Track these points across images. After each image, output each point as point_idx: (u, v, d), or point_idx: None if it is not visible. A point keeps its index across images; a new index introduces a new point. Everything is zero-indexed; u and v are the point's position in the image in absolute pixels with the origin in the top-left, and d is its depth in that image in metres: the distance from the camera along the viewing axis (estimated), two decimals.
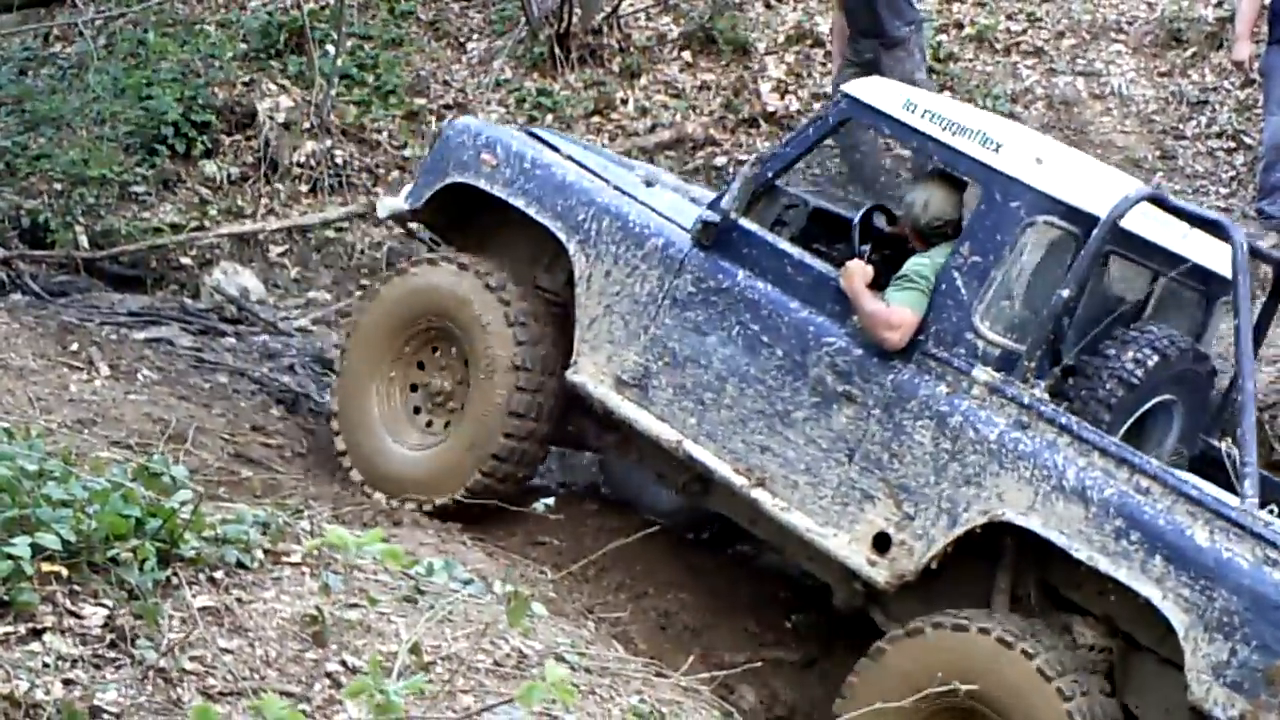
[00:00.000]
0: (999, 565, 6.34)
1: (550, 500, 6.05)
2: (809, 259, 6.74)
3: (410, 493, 7.31)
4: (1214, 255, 6.65)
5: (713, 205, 6.96)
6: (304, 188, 11.78)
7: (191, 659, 4.31)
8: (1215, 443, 6.69)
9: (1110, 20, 11.85)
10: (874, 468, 6.38)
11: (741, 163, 11.68)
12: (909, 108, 6.63)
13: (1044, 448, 6.08)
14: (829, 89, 12.40)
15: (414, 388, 7.59)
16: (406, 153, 11.78)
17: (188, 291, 10.95)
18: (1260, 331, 6.90)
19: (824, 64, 12.26)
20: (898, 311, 6.43)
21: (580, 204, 7.17)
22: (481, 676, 4.79)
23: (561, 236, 7.19)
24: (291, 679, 4.38)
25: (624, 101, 12.30)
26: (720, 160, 11.59)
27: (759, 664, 6.71)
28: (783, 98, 12.09)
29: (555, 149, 7.50)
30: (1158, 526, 5.84)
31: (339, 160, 11.87)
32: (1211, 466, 6.49)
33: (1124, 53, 11.67)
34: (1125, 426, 6.29)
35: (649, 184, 7.38)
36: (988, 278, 6.30)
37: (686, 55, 12.59)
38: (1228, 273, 6.51)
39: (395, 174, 11.91)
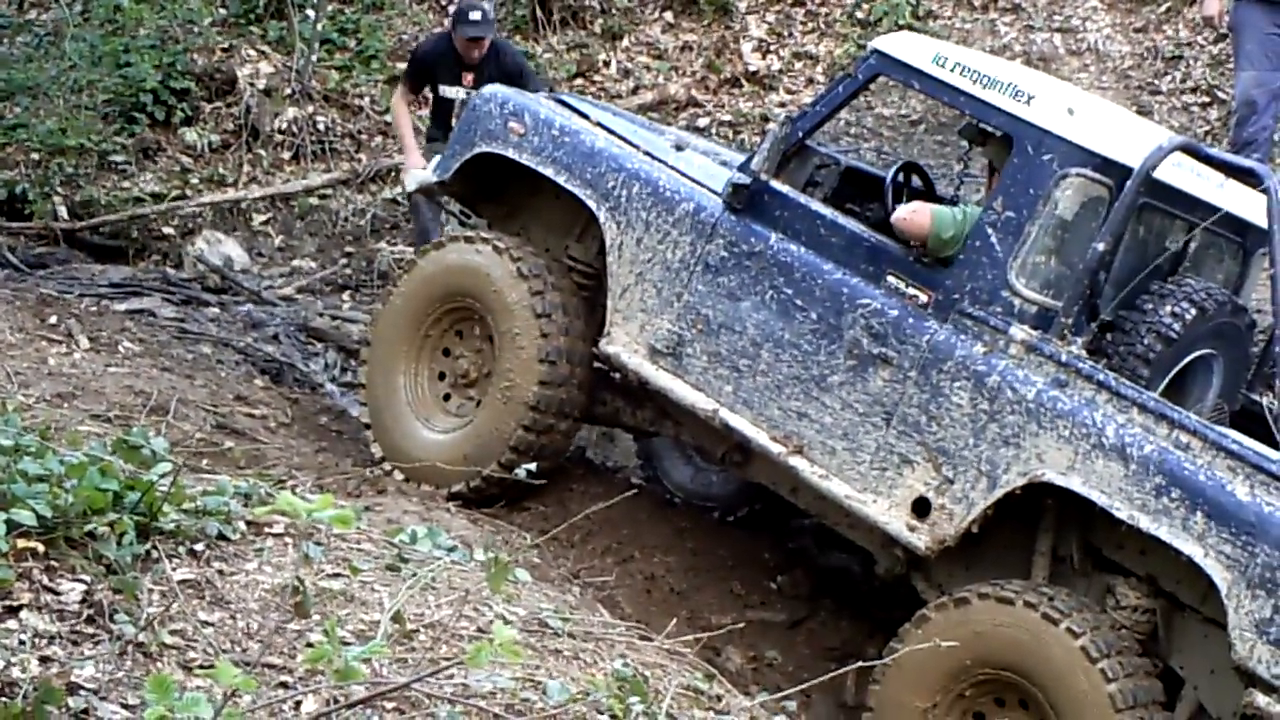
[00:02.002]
0: (1040, 527, 6.25)
1: (532, 466, 5.97)
2: (842, 219, 6.64)
3: (437, 473, 7.17)
4: (1250, 205, 6.56)
5: (743, 168, 6.84)
6: (286, 155, 11.74)
7: (171, 633, 4.25)
8: (1256, 397, 6.61)
9: None
10: (912, 431, 6.28)
11: (727, 124, 11.50)
12: (939, 61, 6.51)
13: (1082, 406, 5.98)
14: (811, 47, 12.17)
15: (441, 374, 7.49)
16: (388, 118, 11.60)
17: (170, 261, 10.89)
18: None
19: (804, 23, 12.11)
20: (926, 212, 6.40)
21: (610, 171, 7.06)
22: (464, 643, 4.72)
23: (591, 204, 7.09)
24: (274, 650, 4.32)
25: (606, 63, 12.23)
26: (703, 121, 11.45)
27: (743, 625, 6.68)
28: (764, 57, 12.01)
29: (584, 115, 7.40)
30: (1198, 482, 5.73)
31: (321, 126, 11.78)
32: (1253, 421, 6.36)
33: (1099, 9, 11.71)
34: (1165, 382, 6.21)
35: (679, 148, 7.26)
36: (1022, 233, 6.20)
37: (668, 16, 12.55)
38: (1263, 222, 6.40)
39: (378, 139, 11.71)
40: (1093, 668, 5.70)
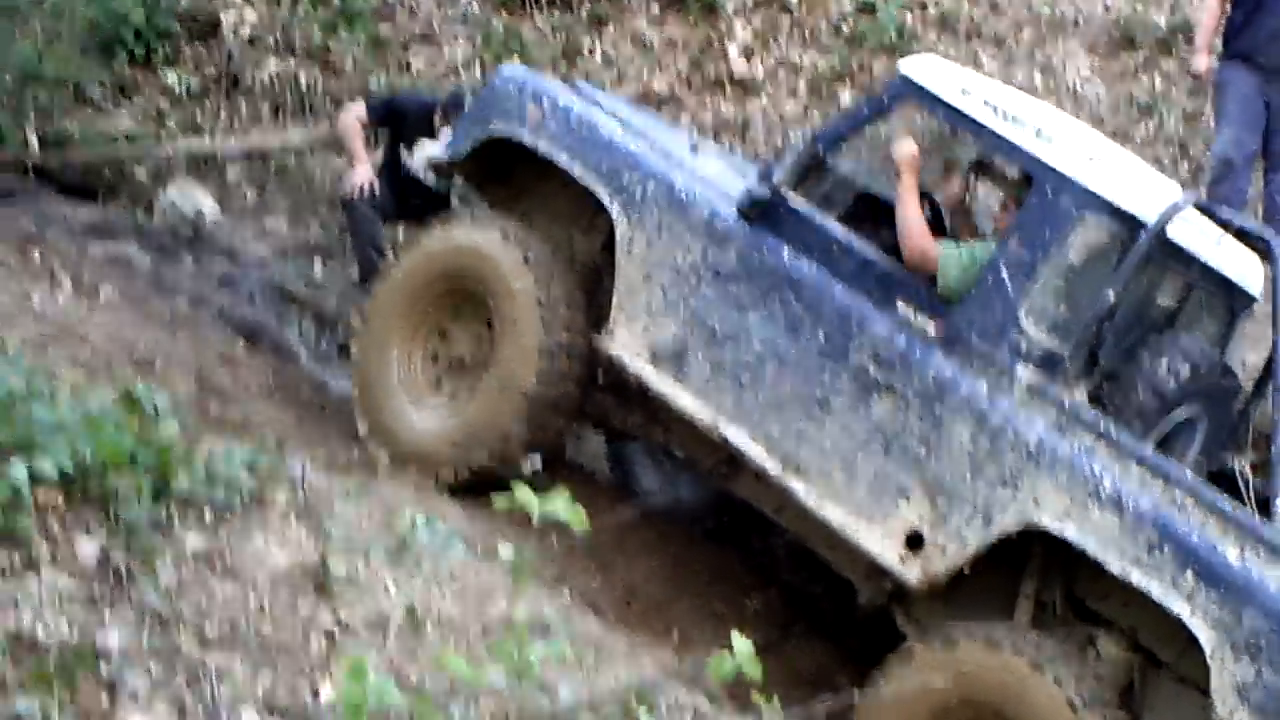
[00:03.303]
0: (1025, 572, 6.31)
1: (538, 462, 5.97)
2: (856, 242, 6.64)
3: (423, 458, 7.14)
4: (1245, 268, 6.71)
5: (762, 178, 6.83)
6: (265, 108, 11.48)
7: (188, 604, 4.26)
8: (1229, 460, 6.76)
9: (1068, 16, 11.94)
10: (910, 462, 6.30)
11: (707, 125, 11.53)
12: (965, 93, 6.54)
13: (1082, 453, 6.06)
14: (795, 57, 12.18)
15: (435, 356, 7.44)
16: (372, 81, 11.54)
17: (141, 206, 10.63)
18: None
19: (790, 32, 12.16)
20: (934, 246, 6.42)
21: (626, 166, 6.99)
22: (471, 640, 4.79)
23: (605, 198, 7.01)
24: (286, 630, 4.36)
25: (591, 50, 12.15)
26: (684, 120, 11.49)
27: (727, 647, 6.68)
28: (749, 62, 11.98)
29: (600, 106, 7.34)
30: (1191, 542, 5.82)
31: (303, 83, 11.57)
32: (1223, 484, 6.42)
33: (1080, 52, 11.77)
34: (1154, 437, 6.33)
35: (694, 149, 7.23)
36: (1035, 273, 6.24)
37: (655, 9, 12.44)
38: (1252, 287, 6.64)
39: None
40: (1075, 718, 5.80)
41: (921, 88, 6.64)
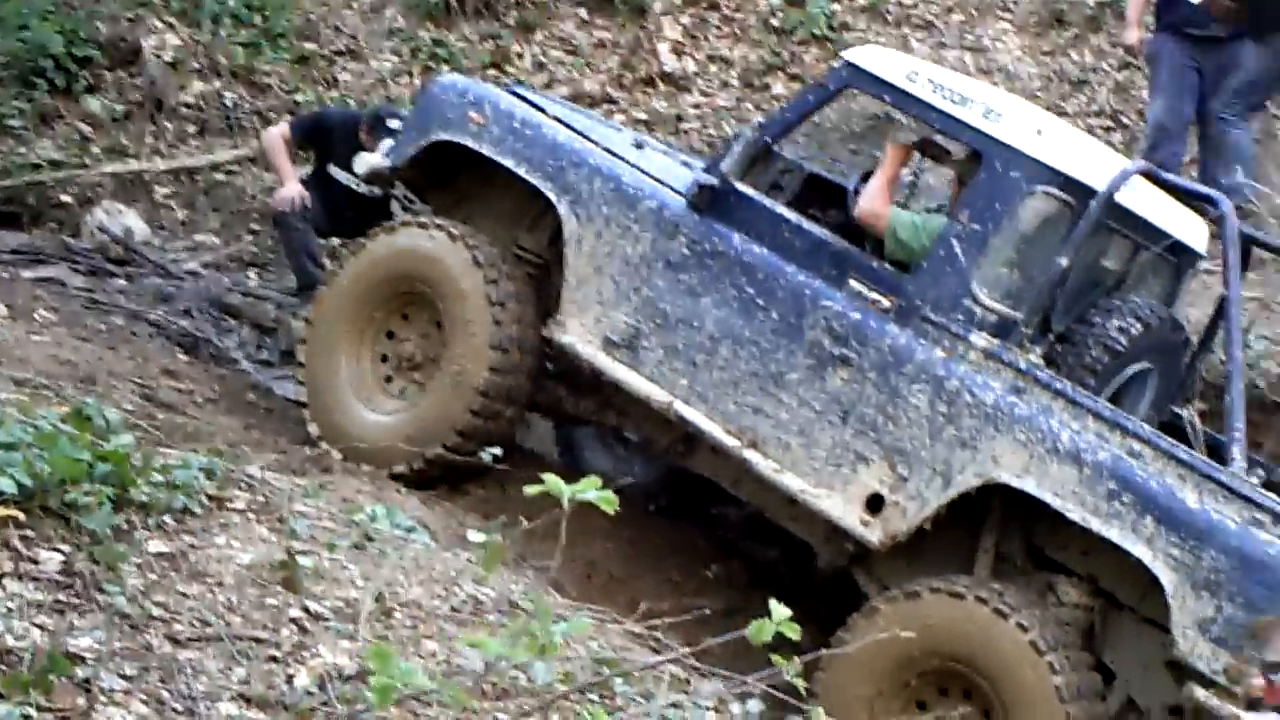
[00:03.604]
0: (985, 527, 6.50)
1: (498, 451, 6.01)
2: (806, 224, 6.80)
3: (378, 454, 7.19)
4: (1189, 229, 6.91)
5: (709, 169, 6.99)
6: (192, 129, 11.54)
7: (156, 604, 4.29)
8: (1177, 410, 6.93)
9: None
10: (869, 430, 6.47)
11: (642, 123, 11.59)
12: (911, 77, 6.70)
13: (1039, 412, 6.23)
14: (726, 51, 12.24)
15: (384, 357, 7.52)
16: (299, 98, 11.58)
17: (67, 230, 10.64)
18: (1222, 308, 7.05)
19: (719, 27, 12.20)
20: (887, 207, 6.68)
21: (572, 165, 7.15)
22: (442, 623, 4.86)
23: (553, 197, 7.16)
24: (256, 625, 4.39)
25: (520, 56, 12.17)
26: (619, 119, 11.54)
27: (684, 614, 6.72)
28: (680, 59, 12.03)
29: (540, 109, 7.47)
30: (1149, 489, 6.03)
31: (228, 102, 11.56)
32: (1172, 433, 6.62)
33: (1010, 31, 11.93)
34: (1108, 392, 6.50)
35: (638, 146, 7.38)
36: (986, 245, 6.42)
37: (582, 12, 12.54)
38: (1197, 245, 6.85)
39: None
40: (1040, 660, 5.96)
41: (869, 74, 6.80)
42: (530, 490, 3.75)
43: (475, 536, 5.18)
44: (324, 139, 9.27)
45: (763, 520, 7.60)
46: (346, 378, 7.40)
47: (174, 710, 3.88)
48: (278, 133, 9.39)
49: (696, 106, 11.68)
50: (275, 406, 8.25)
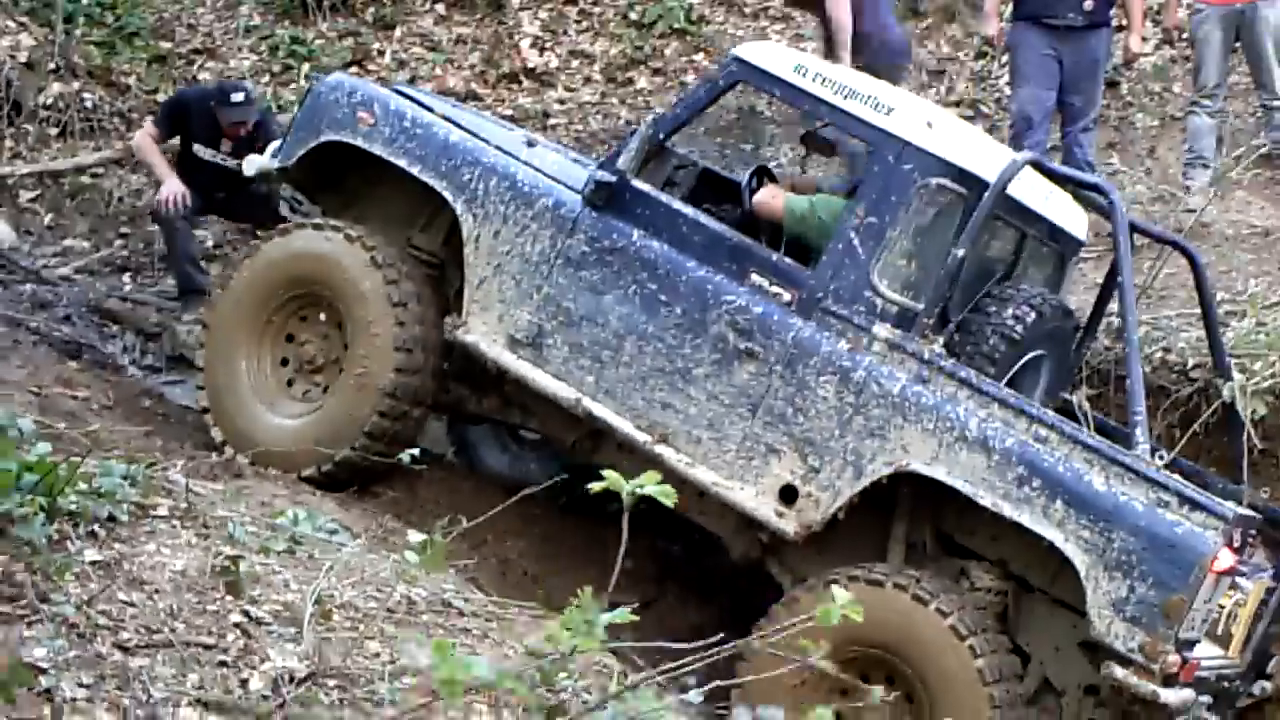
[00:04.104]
0: (895, 515, 6.61)
1: (415, 451, 6.08)
2: (705, 219, 6.87)
3: (285, 457, 7.16)
4: (1071, 217, 7.13)
5: (605, 166, 7.02)
6: (53, 131, 11.34)
7: (100, 613, 4.29)
8: (1066, 395, 7.07)
9: None
10: (778, 422, 6.55)
11: (508, 118, 11.65)
12: (800, 71, 6.79)
13: (945, 401, 6.36)
14: (587, 46, 12.31)
15: (284, 360, 7.49)
16: (159, 97, 11.40)
17: None
18: (1107, 294, 7.43)
19: (579, 22, 12.27)
20: (780, 195, 6.90)
21: (466, 164, 7.15)
22: (381, 623, 4.87)
23: (448, 196, 7.15)
24: (200, 630, 4.41)
25: (380, 53, 12.15)
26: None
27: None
28: (541, 54, 12.10)
29: (429, 108, 7.46)
30: (1057, 473, 6.18)
31: (89, 104, 11.39)
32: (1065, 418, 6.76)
33: None
34: (1006, 380, 6.62)
35: (530, 144, 7.39)
36: (884, 238, 6.52)
37: (440, 8, 12.53)
38: (1080, 234, 7.08)
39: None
40: (961, 645, 6.08)
41: (758, 69, 6.87)
42: (594, 487, 3.81)
43: (415, 537, 5.26)
44: (183, 121, 9.23)
45: (665, 514, 7.67)
46: (248, 382, 7.36)
47: (137, 717, 3.90)
48: (143, 134, 9.38)
49: (562, 102, 11.74)
50: (171, 413, 8.22)
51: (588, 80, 11.87)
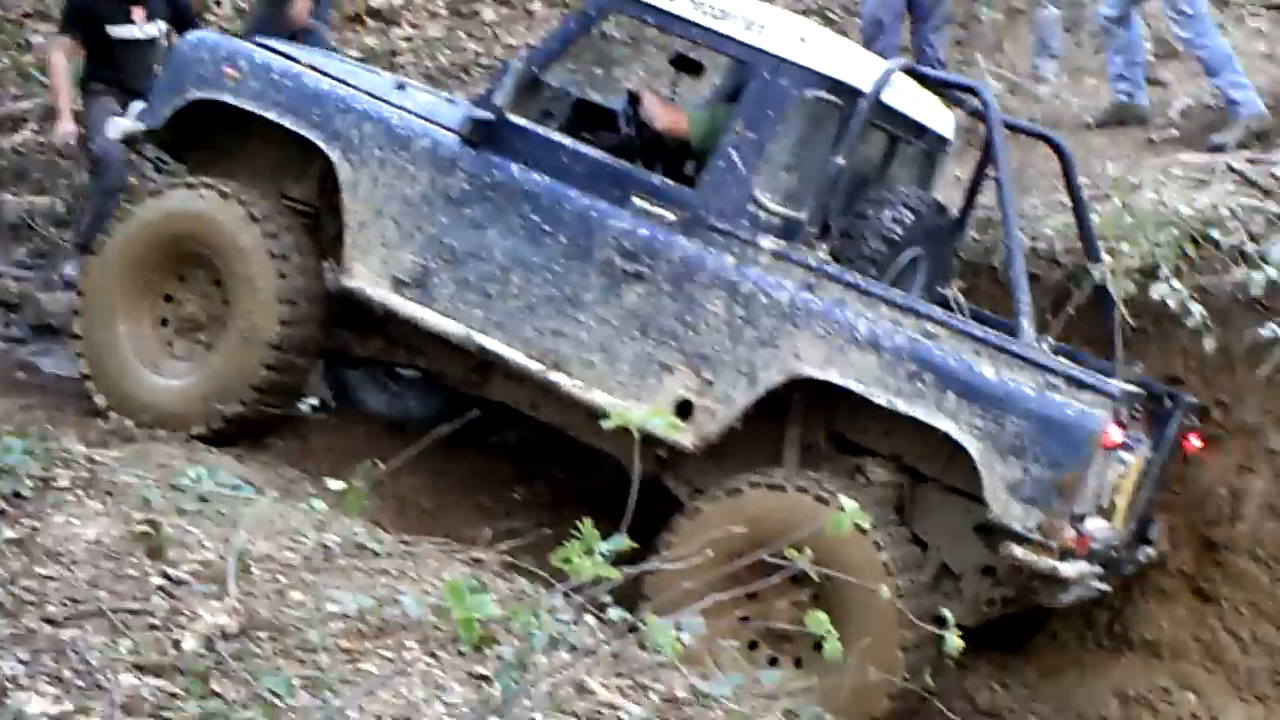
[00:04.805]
0: (788, 420, 6.75)
1: (315, 400, 6.09)
2: (584, 148, 6.93)
3: (172, 418, 7.12)
4: (940, 118, 7.30)
5: (482, 103, 7.05)
6: None
7: (23, 589, 4.31)
8: (940, 289, 7.25)
9: None
10: (670, 340, 6.65)
11: (355, 60, 11.56)
12: None
13: (834, 305, 6.49)
14: None
15: (164, 320, 7.42)
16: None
17: None
18: (976, 189, 7.57)
19: None
20: (679, 112, 7.03)
21: (338, 111, 7.14)
22: (300, 573, 4.93)
23: (323, 145, 7.14)
24: (124, 596, 4.41)
25: (218, 3, 11.99)
26: None
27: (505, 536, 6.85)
28: None
29: (293, 59, 7.41)
30: (948, 366, 6.34)
31: None
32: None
33: None
34: (888, 281, 6.78)
35: (400, 88, 7.37)
36: (764, 151, 6.64)
37: None
38: (948, 133, 7.27)
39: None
40: (866, 540, 6.21)
41: None
42: (605, 424, 3.89)
43: (335, 485, 5.26)
44: (88, 11, 8.89)
45: (542, 441, 7.76)
46: (128, 345, 7.29)
47: (79, 687, 3.89)
48: (57, 51, 9.04)
49: (408, 39, 11.67)
50: (47, 383, 8.11)
51: (433, 16, 11.80)
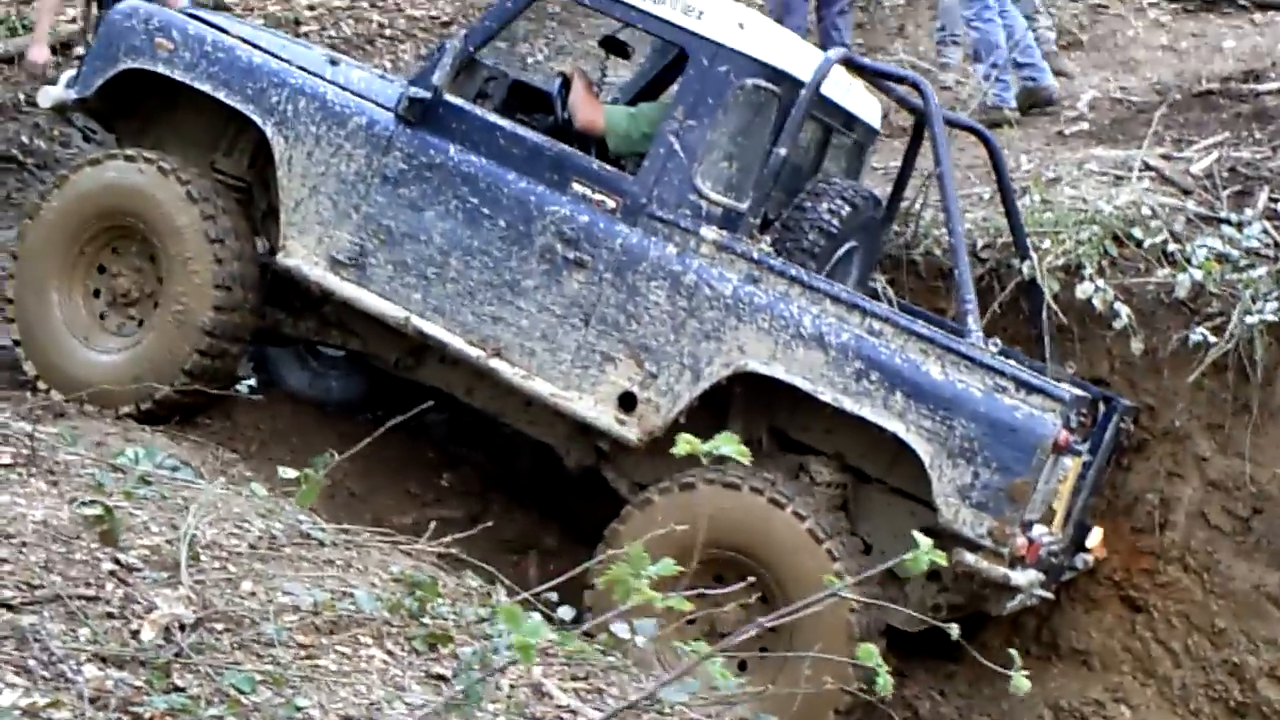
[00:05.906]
0: (730, 415, 6.66)
1: (252, 381, 6.01)
2: (523, 130, 6.86)
3: (101, 394, 7.00)
4: (869, 109, 7.32)
5: (418, 81, 6.97)
6: None
7: None
8: (870, 281, 7.32)
9: None
10: (612, 330, 6.58)
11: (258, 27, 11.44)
12: None
13: (778, 299, 6.43)
14: None
15: (96, 291, 7.31)
16: None
17: None
18: (903, 181, 7.59)
19: None
20: (600, 109, 6.96)
21: (272, 85, 7.05)
22: (248, 561, 4.87)
23: (257, 119, 7.05)
24: (78, 582, 4.35)
25: None
26: None
27: (430, 522, 6.79)
28: None
29: (224, 30, 7.32)
30: (895, 365, 6.27)
31: None
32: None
33: None
34: (825, 273, 6.75)
35: (333, 63, 7.27)
36: (704, 140, 6.57)
37: None
38: (876, 124, 7.32)
39: None
40: (819, 548, 6.17)
41: None
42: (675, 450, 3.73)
43: (287, 473, 5.19)
44: None
45: (469, 426, 7.70)
46: (60, 315, 7.21)
47: (45, 678, 3.82)
48: None
49: (312, 8, 11.56)
50: None
51: None
